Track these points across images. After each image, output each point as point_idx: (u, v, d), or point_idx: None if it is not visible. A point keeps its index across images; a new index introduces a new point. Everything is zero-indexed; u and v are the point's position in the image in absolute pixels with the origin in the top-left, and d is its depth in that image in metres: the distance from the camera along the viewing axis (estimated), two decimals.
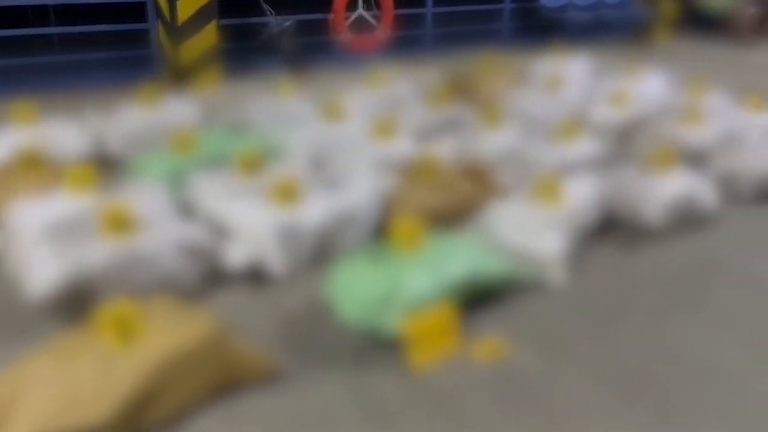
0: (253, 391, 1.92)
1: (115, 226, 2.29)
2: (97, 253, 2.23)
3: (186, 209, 2.77)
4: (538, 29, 6.66)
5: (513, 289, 2.43)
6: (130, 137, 3.46)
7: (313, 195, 2.66)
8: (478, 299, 2.33)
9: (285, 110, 3.84)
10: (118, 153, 3.43)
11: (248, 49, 5.37)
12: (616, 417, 1.88)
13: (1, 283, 2.41)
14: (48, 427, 1.65)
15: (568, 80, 4.47)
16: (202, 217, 2.71)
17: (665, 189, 2.93)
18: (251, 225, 2.50)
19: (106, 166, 3.27)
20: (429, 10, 6.43)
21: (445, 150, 3.25)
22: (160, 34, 5.19)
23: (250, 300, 2.41)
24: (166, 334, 1.82)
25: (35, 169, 3.01)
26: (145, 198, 2.54)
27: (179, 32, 4.91)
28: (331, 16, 5.85)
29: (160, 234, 2.36)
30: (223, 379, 1.89)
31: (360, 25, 6.01)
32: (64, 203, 2.51)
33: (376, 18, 6.06)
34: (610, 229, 2.87)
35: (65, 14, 5.11)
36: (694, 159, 3.37)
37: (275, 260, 2.48)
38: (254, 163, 2.90)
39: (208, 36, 5.01)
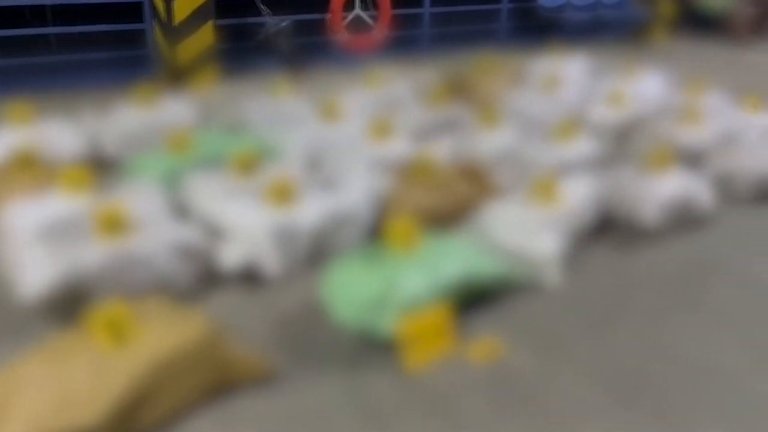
0: (248, 392, 1.91)
1: (109, 227, 2.29)
2: (92, 254, 2.22)
3: (181, 210, 2.77)
4: (536, 29, 6.65)
5: (509, 290, 2.42)
6: (126, 137, 3.45)
7: (308, 196, 2.65)
8: (474, 300, 2.32)
9: (282, 110, 3.83)
10: (113, 153, 3.42)
11: (245, 49, 5.36)
12: (612, 417, 1.87)
13: None
14: (41, 428, 1.64)
15: (565, 80, 4.46)
16: (198, 217, 2.70)
17: (662, 189, 2.92)
18: (246, 226, 2.49)
19: (101, 167, 3.26)
20: (426, 10, 6.42)
21: (442, 150, 3.24)
22: (156, 35, 5.18)
23: (245, 301, 2.40)
24: (160, 335, 1.81)
25: (30, 170, 3.01)
26: (140, 199, 2.53)
27: (176, 32, 4.90)
28: (328, 16, 5.85)
29: (155, 235, 2.35)
30: (217, 380, 1.88)
31: (357, 25, 6.01)
32: (59, 204, 2.50)
33: (374, 18, 6.06)
34: (607, 229, 2.87)
35: (62, 14, 5.10)
36: (692, 159, 3.37)
37: (270, 261, 2.47)
38: (250, 164, 2.89)
39: (205, 36, 5.00)
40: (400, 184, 2.95)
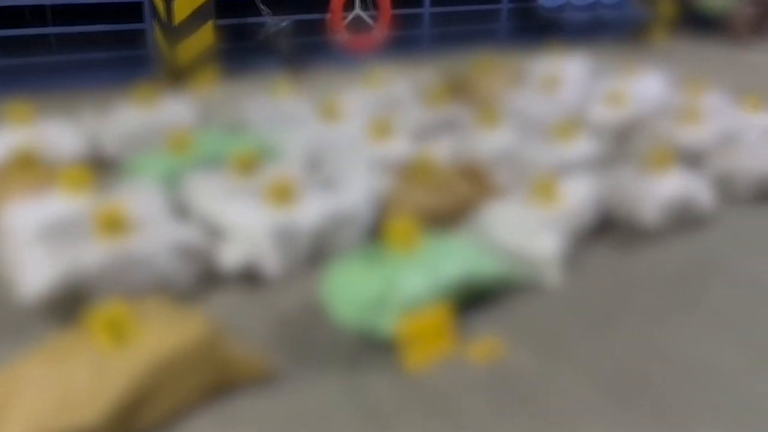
0: (248, 392, 1.92)
1: (109, 227, 2.29)
2: (91, 254, 2.22)
3: (181, 210, 2.77)
4: (536, 29, 6.65)
5: (509, 290, 2.42)
6: (126, 137, 3.45)
7: (308, 196, 2.65)
8: (474, 300, 2.32)
9: (282, 110, 3.83)
10: (113, 153, 3.42)
11: (245, 49, 5.36)
12: (611, 418, 1.87)
13: None
14: (41, 429, 1.64)
15: (565, 80, 4.46)
16: (198, 217, 2.70)
17: (662, 189, 2.92)
18: (246, 226, 2.49)
19: (101, 167, 3.26)
20: (426, 10, 6.42)
21: (442, 150, 3.24)
22: (156, 35, 5.18)
23: (245, 301, 2.40)
24: (160, 335, 1.81)
25: (30, 170, 3.01)
26: (139, 199, 2.53)
27: (176, 32, 4.90)
28: (328, 16, 5.85)
29: (155, 235, 2.35)
30: (217, 380, 1.88)
31: (357, 25, 6.01)
32: (59, 204, 2.50)
33: (374, 18, 6.06)
34: (606, 229, 2.87)
35: (62, 14, 5.10)
36: (692, 159, 3.37)
37: (270, 261, 2.47)
38: (250, 164, 2.89)
39: (205, 36, 5.01)
40: (400, 184, 2.95)
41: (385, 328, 2.08)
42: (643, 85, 4.39)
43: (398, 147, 3.32)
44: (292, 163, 3.09)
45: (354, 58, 5.65)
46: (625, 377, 2.03)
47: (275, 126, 3.59)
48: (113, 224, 2.29)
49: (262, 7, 5.41)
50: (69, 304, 2.16)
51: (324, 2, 5.81)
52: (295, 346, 2.15)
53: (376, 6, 6.03)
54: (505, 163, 3.22)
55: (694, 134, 3.58)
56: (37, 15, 5.08)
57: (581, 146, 3.40)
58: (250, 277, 2.49)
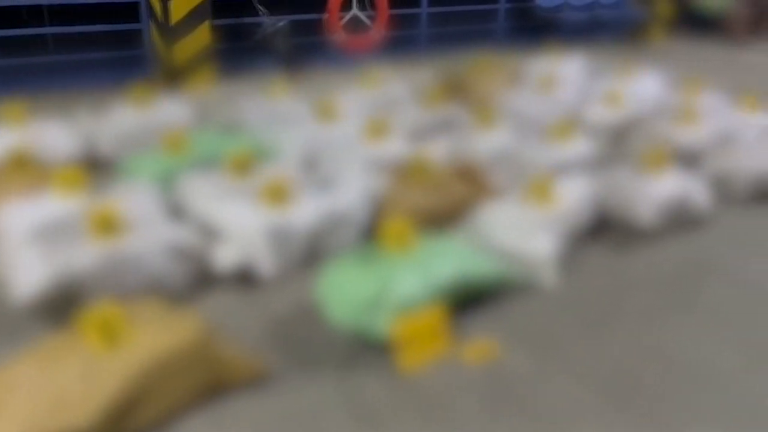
0: (242, 394, 1.91)
1: (102, 228, 2.28)
2: (85, 255, 2.21)
3: (177, 210, 2.76)
4: (534, 29, 6.65)
5: (504, 291, 2.41)
6: (121, 138, 3.45)
7: (304, 196, 2.64)
8: (469, 301, 2.31)
9: (278, 110, 3.82)
10: (109, 153, 3.41)
11: (242, 49, 5.35)
12: (607, 419, 1.86)
13: None
14: (34, 430, 1.63)
15: (562, 80, 4.46)
16: (193, 218, 2.69)
17: (659, 189, 2.92)
18: (241, 226, 2.48)
19: (97, 167, 3.26)
20: (424, 10, 6.42)
21: (438, 150, 3.24)
22: (153, 35, 5.17)
23: (240, 302, 2.39)
24: (153, 336, 1.80)
25: (25, 170, 3.00)
26: (134, 199, 2.52)
27: (172, 32, 4.89)
28: (325, 16, 5.84)
29: (149, 236, 2.34)
30: (210, 381, 1.87)
31: (354, 25, 6.00)
32: (52, 205, 2.49)
33: (371, 18, 6.05)
34: (603, 230, 2.86)
35: (59, 14, 5.09)
36: (689, 159, 3.36)
37: (265, 262, 2.46)
38: (245, 164, 2.88)
39: (201, 36, 5.00)
40: (396, 184, 2.94)
41: (380, 329, 2.07)
42: (640, 85, 4.39)
43: (395, 147, 3.31)
44: (288, 164, 3.08)
45: (351, 58, 5.64)
46: (622, 378, 2.02)
47: (271, 126, 3.58)
48: (107, 225, 2.28)
49: (259, 6, 5.40)
50: (63, 305, 2.15)
51: (321, 2, 5.80)
52: (290, 346, 2.14)
53: (373, 6, 6.02)
54: (502, 164, 3.21)
55: (692, 134, 3.58)
56: (34, 15, 5.07)
57: (578, 146, 3.40)
58: (244, 278, 2.48)
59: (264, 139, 3.42)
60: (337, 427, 1.83)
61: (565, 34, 6.29)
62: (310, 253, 2.58)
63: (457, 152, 3.32)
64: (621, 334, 2.23)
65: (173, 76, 4.85)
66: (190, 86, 4.41)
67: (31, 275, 2.17)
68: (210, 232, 2.58)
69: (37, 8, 5.03)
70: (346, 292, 2.14)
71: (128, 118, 3.59)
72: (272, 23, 5.34)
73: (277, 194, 2.56)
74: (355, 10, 5.97)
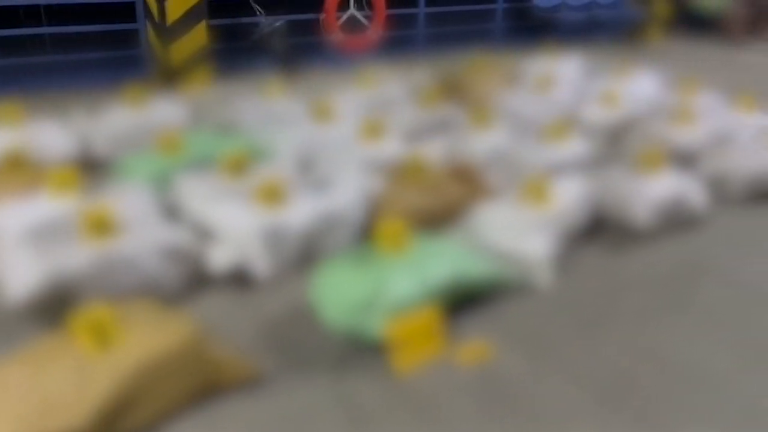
0: (235, 396, 1.90)
1: (96, 229, 2.27)
2: (78, 256, 2.20)
3: (172, 211, 2.75)
4: (531, 29, 6.65)
5: (499, 292, 2.40)
6: (116, 138, 3.44)
7: (299, 197, 2.63)
8: (464, 301, 2.30)
9: (274, 111, 3.81)
10: (104, 154, 3.41)
11: (239, 49, 5.35)
12: (601, 420, 1.86)
13: None
14: None
15: (559, 80, 4.45)
16: (188, 219, 2.69)
17: (654, 190, 2.91)
18: (235, 227, 2.48)
19: (92, 167, 3.25)
20: (421, 10, 6.42)
21: (434, 151, 3.23)
22: (149, 35, 5.16)
23: (234, 303, 2.38)
24: (144, 338, 1.80)
25: (20, 171, 2.99)
26: (128, 200, 2.51)
27: (169, 32, 4.88)
28: (322, 15, 5.83)
29: (143, 237, 2.33)
30: (202, 383, 1.86)
31: (352, 25, 5.99)
32: (46, 205, 2.48)
33: (368, 18, 6.04)
34: (598, 230, 2.86)
35: (57, 14, 5.08)
36: (685, 159, 3.36)
37: (259, 263, 2.46)
38: (240, 165, 2.87)
39: (198, 36, 4.99)
40: (391, 184, 2.94)
41: (374, 330, 2.06)
42: (636, 85, 4.38)
43: (390, 148, 3.31)
44: (283, 164, 3.07)
45: (349, 59, 5.64)
46: (616, 379, 2.01)
47: (267, 126, 3.58)
48: (100, 226, 2.28)
49: (256, 6, 5.39)
50: (56, 306, 2.14)
51: (318, 2, 5.79)
52: (284, 348, 2.14)
53: (370, 6, 6.01)
54: (498, 164, 3.21)
55: (688, 134, 3.58)
56: (31, 15, 5.06)
57: (574, 146, 3.39)
58: (239, 279, 2.47)
59: (260, 140, 3.42)
60: (331, 429, 1.82)
61: (563, 34, 6.29)
62: (305, 254, 2.57)
63: (453, 152, 3.31)
64: (616, 335, 2.23)
65: (170, 76, 4.84)
66: (187, 86, 4.40)
67: (25, 276, 2.16)
68: (205, 233, 2.57)
69: (35, 8, 5.02)
70: (341, 293, 2.14)
71: (123, 118, 3.58)
72: (269, 23, 5.34)
73: (272, 195, 2.55)
74: (352, 10, 5.97)
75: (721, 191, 3.25)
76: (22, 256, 2.24)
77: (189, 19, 4.90)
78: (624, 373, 2.04)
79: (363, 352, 2.08)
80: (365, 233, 2.65)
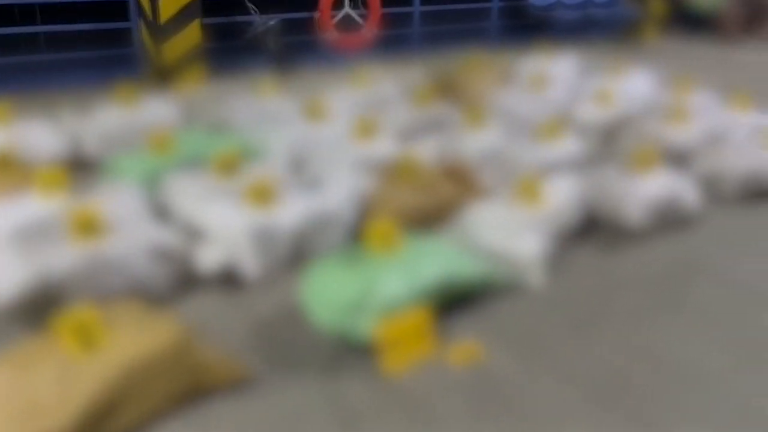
0: (223, 397, 1.88)
1: (83, 230, 2.24)
2: (65, 257, 2.17)
3: (162, 211, 2.72)
4: (526, 28, 6.64)
5: (491, 292, 2.39)
6: (107, 137, 3.41)
7: (289, 196, 2.61)
8: (455, 301, 2.29)
9: (267, 110, 3.79)
10: (94, 153, 3.38)
11: (232, 48, 5.33)
12: (594, 420, 1.84)
13: None
14: None
15: (553, 79, 4.44)
16: (178, 219, 2.66)
17: (647, 189, 2.90)
18: (225, 227, 2.45)
19: (82, 167, 3.22)
20: (416, 8, 6.40)
21: (427, 150, 3.21)
22: (142, 33, 5.13)
23: (223, 304, 2.36)
24: (131, 340, 1.77)
25: (9, 171, 2.96)
26: (116, 200, 2.49)
27: (162, 31, 4.86)
28: (317, 14, 5.81)
29: (131, 237, 2.31)
30: (190, 385, 1.84)
31: (346, 23, 5.98)
32: (33, 205, 2.45)
33: (363, 17, 6.02)
34: (591, 230, 2.84)
35: (50, 13, 5.06)
36: (679, 158, 3.35)
37: (249, 263, 2.43)
38: (231, 164, 2.85)
39: (191, 35, 4.96)
40: (384, 184, 2.92)
41: (364, 331, 2.04)
42: (631, 84, 4.37)
43: (383, 147, 3.29)
44: (275, 164, 3.05)
45: (343, 57, 5.62)
46: (609, 379, 2.00)
47: (260, 126, 3.56)
48: (88, 226, 2.25)
49: (250, 5, 5.37)
50: (42, 308, 2.11)
51: (313, 0, 5.77)
52: (273, 349, 2.11)
53: (365, 4, 5.99)
54: (491, 163, 3.19)
55: (682, 133, 3.56)
56: (25, 14, 5.03)
57: (568, 146, 3.38)
58: (228, 279, 2.45)
59: (252, 139, 3.39)
60: (322, 430, 1.80)
61: (559, 33, 6.28)
62: (296, 254, 2.55)
63: (446, 152, 3.30)
64: (609, 335, 2.21)
65: (163, 75, 4.81)
66: (180, 85, 4.37)
67: (10, 277, 2.13)
68: (195, 233, 2.55)
69: (30, 7, 4.99)
70: (330, 293, 2.12)
71: (114, 117, 3.56)
72: (263, 22, 5.32)
73: (263, 194, 2.53)
74: (347, 9, 5.95)
75: (715, 190, 3.24)
76: (9, 257, 2.22)
77: (182, 17, 4.88)
78: (617, 373, 2.03)
79: (353, 352, 2.06)
80: (357, 233, 2.63)
